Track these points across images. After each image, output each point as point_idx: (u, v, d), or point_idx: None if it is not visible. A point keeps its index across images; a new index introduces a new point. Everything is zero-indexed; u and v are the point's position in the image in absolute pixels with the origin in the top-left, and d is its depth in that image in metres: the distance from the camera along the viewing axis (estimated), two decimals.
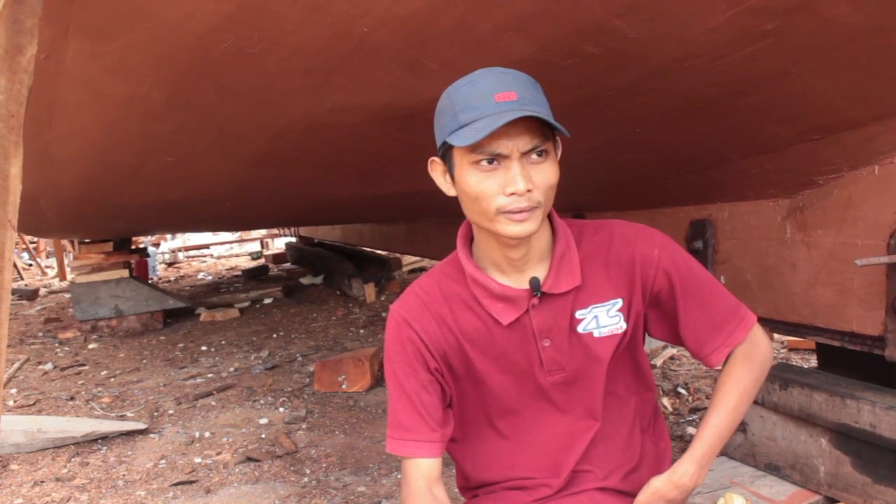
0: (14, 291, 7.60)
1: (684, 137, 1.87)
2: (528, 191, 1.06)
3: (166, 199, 3.45)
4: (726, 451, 2.14)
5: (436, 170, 1.18)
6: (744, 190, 2.03)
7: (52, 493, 2.63)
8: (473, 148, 1.06)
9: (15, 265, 9.38)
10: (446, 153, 1.13)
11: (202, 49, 1.61)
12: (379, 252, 7.59)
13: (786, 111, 1.62)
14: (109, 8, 1.52)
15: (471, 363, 1.23)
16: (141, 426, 3.23)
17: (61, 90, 1.97)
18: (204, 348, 4.92)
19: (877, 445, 1.70)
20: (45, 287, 8.71)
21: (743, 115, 1.67)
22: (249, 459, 2.85)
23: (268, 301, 6.59)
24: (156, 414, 3.52)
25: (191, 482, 2.68)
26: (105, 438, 3.15)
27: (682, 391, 3.37)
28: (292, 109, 1.95)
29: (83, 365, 4.63)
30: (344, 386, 3.68)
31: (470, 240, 1.24)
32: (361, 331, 5.17)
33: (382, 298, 6.30)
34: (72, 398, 3.86)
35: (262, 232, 12.54)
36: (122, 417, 3.50)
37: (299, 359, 4.45)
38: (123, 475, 2.78)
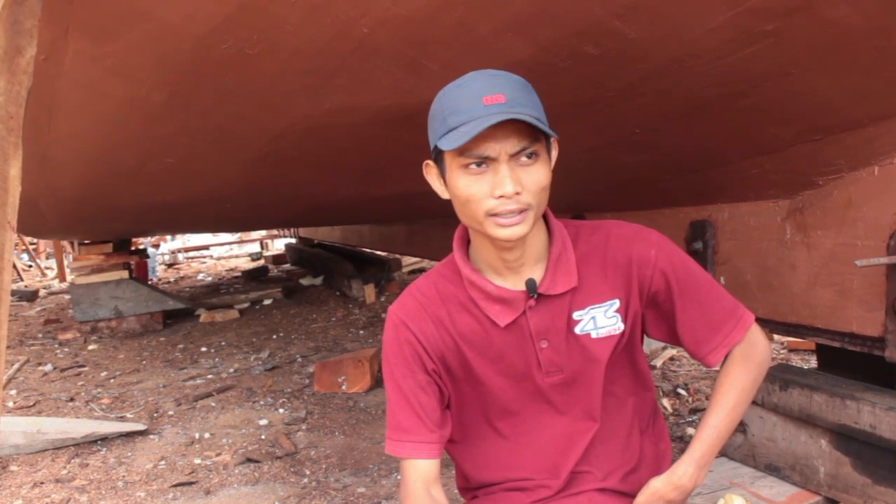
0: (14, 293, 7.59)
1: (684, 138, 1.87)
2: (517, 193, 1.06)
3: (166, 200, 3.45)
4: (726, 452, 2.14)
5: (430, 173, 1.18)
6: (744, 191, 2.03)
7: (51, 495, 2.63)
8: (461, 151, 1.06)
9: (15, 266, 9.37)
10: (438, 156, 1.13)
11: (202, 50, 1.61)
12: (379, 253, 7.59)
13: (786, 112, 1.62)
14: (109, 9, 1.52)
15: (468, 365, 1.23)
16: (140, 427, 3.23)
17: (61, 91, 1.97)
18: (204, 349, 4.92)
19: (877, 446, 1.70)
20: (44, 288, 8.71)
21: (743, 115, 1.67)
22: (249, 460, 2.85)
23: (267, 302, 6.59)
24: (155, 415, 3.52)
25: (190, 483, 2.68)
26: (105, 439, 3.15)
27: (682, 392, 3.37)
28: (292, 110, 1.95)
29: (83, 366, 4.63)
30: (344, 387, 3.68)
31: (466, 242, 1.24)
32: (361, 332, 5.17)
33: (382, 299, 6.30)
34: (71, 399, 3.86)
35: (262, 233, 12.53)
36: (122, 419, 3.49)
37: (299, 360, 4.45)
38: (123, 476, 2.78)
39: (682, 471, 1.22)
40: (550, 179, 1.11)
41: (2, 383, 1.26)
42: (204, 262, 11.39)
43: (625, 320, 1.22)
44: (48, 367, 4.60)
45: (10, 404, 3.77)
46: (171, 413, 3.53)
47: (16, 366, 4.56)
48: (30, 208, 3.60)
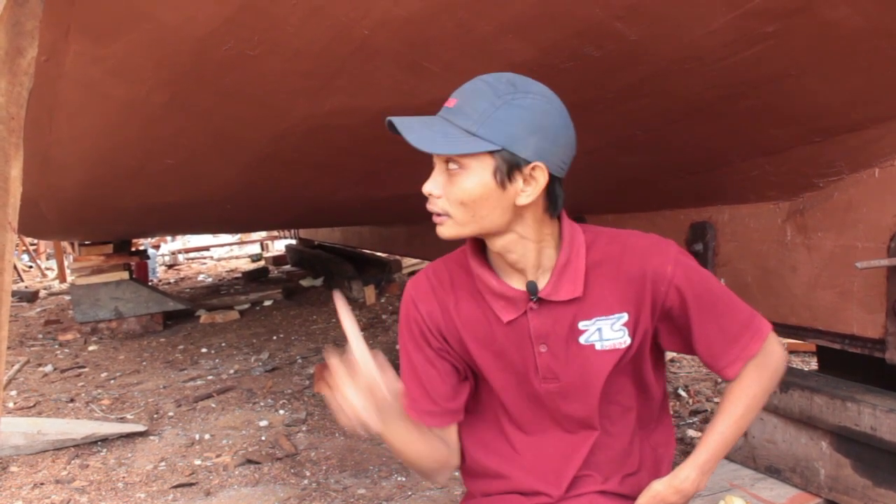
0: (14, 293, 7.60)
1: (685, 139, 1.87)
2: (438, 197, 1.10)
3: (167, 201, 3.45)
4: (726, 454, 2.14)
5: None
6: (744, 192, 2.03)
7: (51, 496, 2.63)
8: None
9: (15, 267, 9.38)
10: None
11: (202, 52, 1.61)
12: (379, 254, 7.58)
13: (786, 113, 1.62)
14: (110, 11, 1.52)
15: (469, 355, 1.23)
16: (141, 428, 3.23)
17: (62, 93, 1.97)
18: (204, 350, 4.91)
19: (877, 448, 1.70)
20: (45, 289, 8.71)
21: (743, 117, 1.67)
22: (249, 462, 2.85)
23: (268, 303, 6.59)
24: (156, 416, 3.52)
25: (191, 484, 2.68)
26: (105, 440, 3.15)
27: (683, 393, 3.36)
28: (293, 112, 1.95)
29: (83, 367, 4.63)
30: None
31: None
32: (362, 333, 5.16)
33: (382, 300, 6.29)
34: (72, 400, 3.86)
35: (262, 234, 12.53)
36: (122, 419, 3.49)
37: (299, 361, 4.45)
38: (123, 477, 2.78)
39: (685, 475, 1.21)
40: (484, 196, 1.08)
41: (2, 384, 1.26)
42: (204, 263, 11.39)
43: (632, 334, 1.19)
44: (48, 368, 4.60)
45: (11, 405, 3.77)
46: (171, 414, 3.53)
47: (16, 366, 4.56)
48: (31, 209, 3.61)
